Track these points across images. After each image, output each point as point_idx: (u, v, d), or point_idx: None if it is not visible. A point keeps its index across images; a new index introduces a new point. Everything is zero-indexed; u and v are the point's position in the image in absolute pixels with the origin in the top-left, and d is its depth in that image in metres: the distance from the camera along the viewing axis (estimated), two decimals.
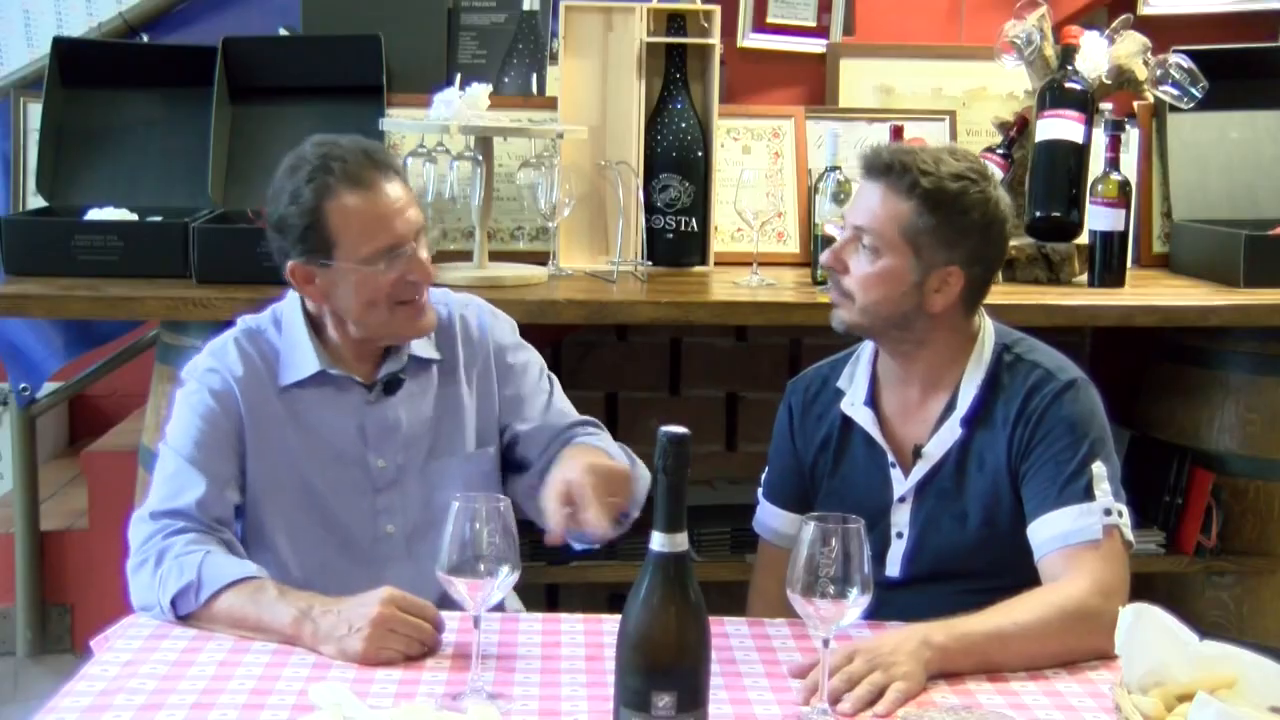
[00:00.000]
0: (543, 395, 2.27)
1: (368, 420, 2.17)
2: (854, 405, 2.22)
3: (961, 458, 2.14)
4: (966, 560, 2.14)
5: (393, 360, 2.19)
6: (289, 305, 2.21)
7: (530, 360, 2.30)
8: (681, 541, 1.50)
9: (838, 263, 2.14)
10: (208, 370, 2.15)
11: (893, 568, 2.17)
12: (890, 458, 2.19)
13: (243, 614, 1.91)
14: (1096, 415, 2.11)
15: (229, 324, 2.83)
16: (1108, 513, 2.02)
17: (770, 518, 2.33)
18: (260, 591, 1.93)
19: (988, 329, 2.19)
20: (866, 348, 2.24)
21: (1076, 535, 2.01)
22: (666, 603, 1.49)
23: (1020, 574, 2.06)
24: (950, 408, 2.15)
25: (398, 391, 2.19)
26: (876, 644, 1.80)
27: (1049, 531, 2.03)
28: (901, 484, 2.18)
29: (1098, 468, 2.04)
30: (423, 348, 2.21)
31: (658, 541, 1.50)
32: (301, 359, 2.16)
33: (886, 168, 2.10)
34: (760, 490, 2.37)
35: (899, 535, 2.18)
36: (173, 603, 1.94)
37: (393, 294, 2.11)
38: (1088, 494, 2.02)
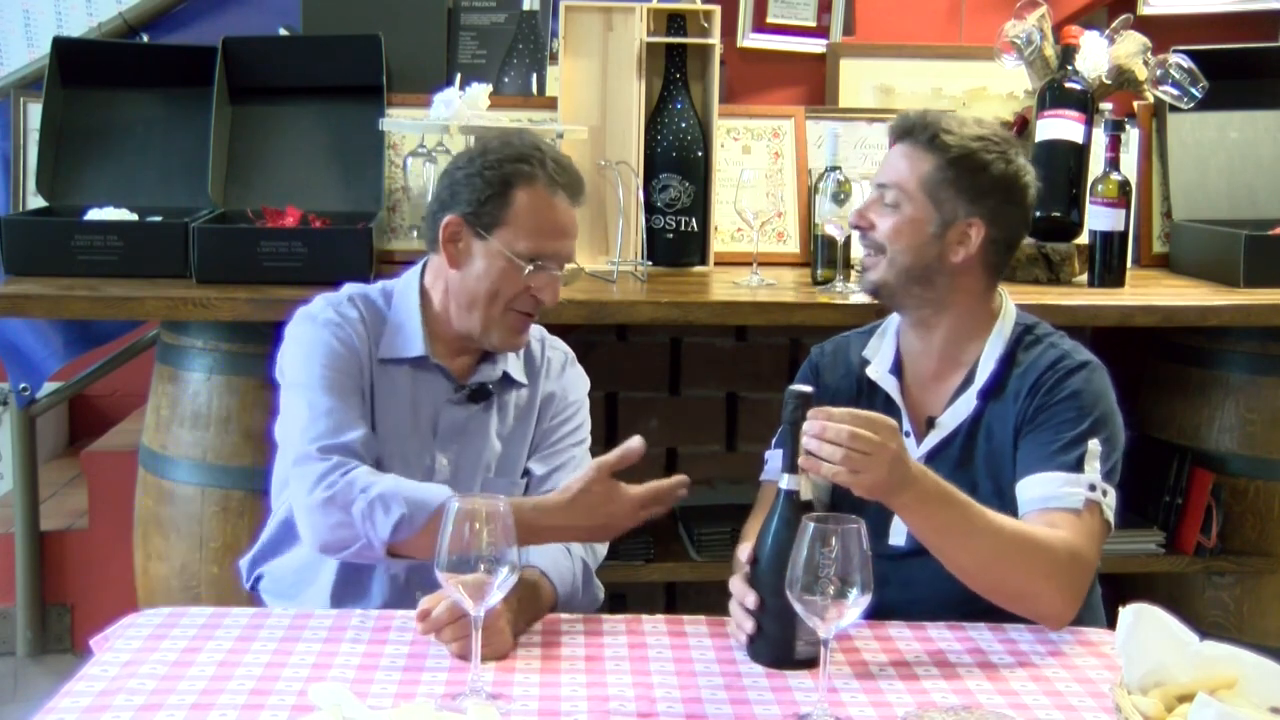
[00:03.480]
0: (568, 452, 2.27)
1: (443, 416, 2.19)
2: (879, 372, 2.27)
3: (973, 430, 2.19)
4: None
5: (488, 369, 2.21)
6: (404, 283, 2.23)
7: (581, 421, 2.31)
8: (803, 481, 1.85)
9: (863, 220, 2.22)
10: (330, 318, 2.16)
11: (897, 537, 2.19)
12: (907, 425, 2.23)
13: None
14: (1105, 398, 2.16)
15: (228, 324, 2.84)
16: (1092, 488, 2.05)
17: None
18: None
19: (1009, 310, 2.26)
20: (892, 321, 2.30)
21: (1057, 500, 2.05)
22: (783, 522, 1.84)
23: None
24: (968, 381, 2.21)
25: (482, 401, 2.21)
26: (876, 440, 1.82)
27: (1033, 492, 2.08)
28: (913, 452, 2.20)
29: (1094, 445, 2.08)
30: (516, 369, 2.24)
31: (785, 482, 1.85)
32: (407, 338, 2.18)
33: (911, 128, 2.19)
34: (773, 442, 2.33)
35: None
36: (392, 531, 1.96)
37: (516, 298, 2.13)
38: (1078, 466, 2.07)
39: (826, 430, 1.81)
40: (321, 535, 2.02)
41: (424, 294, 2.21)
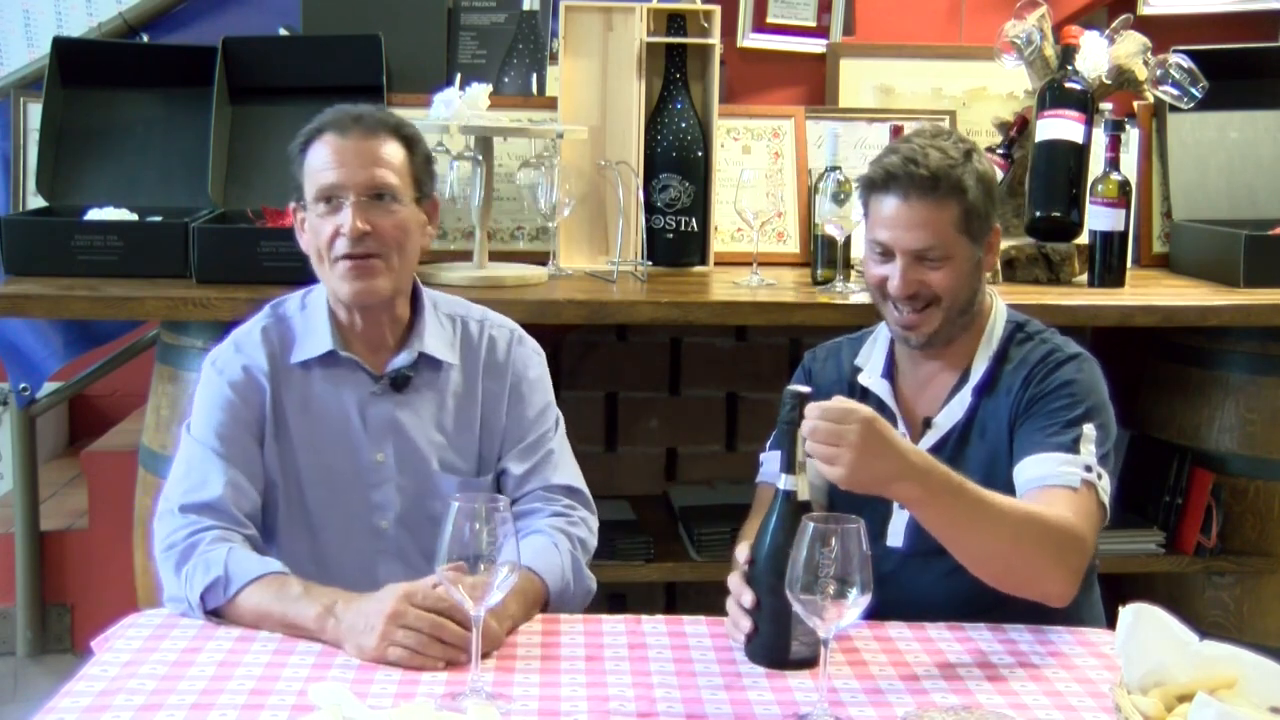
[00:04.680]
0: (543, 444, 2.24)
1: (369, 411, 2.18)
2: (872, 378, 2.28)
3: (967, 428, 2.20)
4: None
5: (404, 354, 2.19)
6: (319, 285, 2.22)
7: (545, 402, 2.27)
8: (800, 481, 1.84)
9: (912, 285, 2.16)
10: (229, 361, 2.17)
11: (895, 538, 2.20)
12: (902, 428, 2.24)
13: (268, 610, 1.93)
14: (1096, 387, 2.17)
15: (230, 324, 2.84)
16: (1088, 469, 2.06)
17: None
18: (284, 588, 1.94)
19: (999, 309, 2.27)
20: (884, 327, 2.30)
21: (1055, 478, 2.06)
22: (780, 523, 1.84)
23: None
24: (963, 381, 2.22)
25: (405, 389, 2.18)
26: (835, 430, 1.82)
27: (1030, 473, 2.09)
28: None
29: (1088, 429, 2.10)
30: (437, 348, 2.20)
31: (783, 482, 1.84)
32: (316, 338, 2.18)
33: (931, 180, 2.12)
34: (768, 444, 2.35)
35: (901, 506, 2.20)
36: (201, 598, 1.96)
37: (330, 244, 2.13)
38: (1074, 447, 2.08)
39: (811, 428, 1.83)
40: (165, 591, 2.04)
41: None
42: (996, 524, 1.94)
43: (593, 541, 2.22)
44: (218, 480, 2.07)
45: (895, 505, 2.21)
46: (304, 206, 2.17)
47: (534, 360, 2.27)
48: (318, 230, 2.13)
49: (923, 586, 2.12)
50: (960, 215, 2.14)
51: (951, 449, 2.20)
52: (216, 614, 1.97)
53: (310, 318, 2.20)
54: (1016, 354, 2.21)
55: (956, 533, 1.95)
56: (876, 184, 2.17)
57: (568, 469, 2.25)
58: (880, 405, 2.25)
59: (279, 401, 2.16)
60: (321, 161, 2.13)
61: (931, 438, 2.22)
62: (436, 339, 2.21)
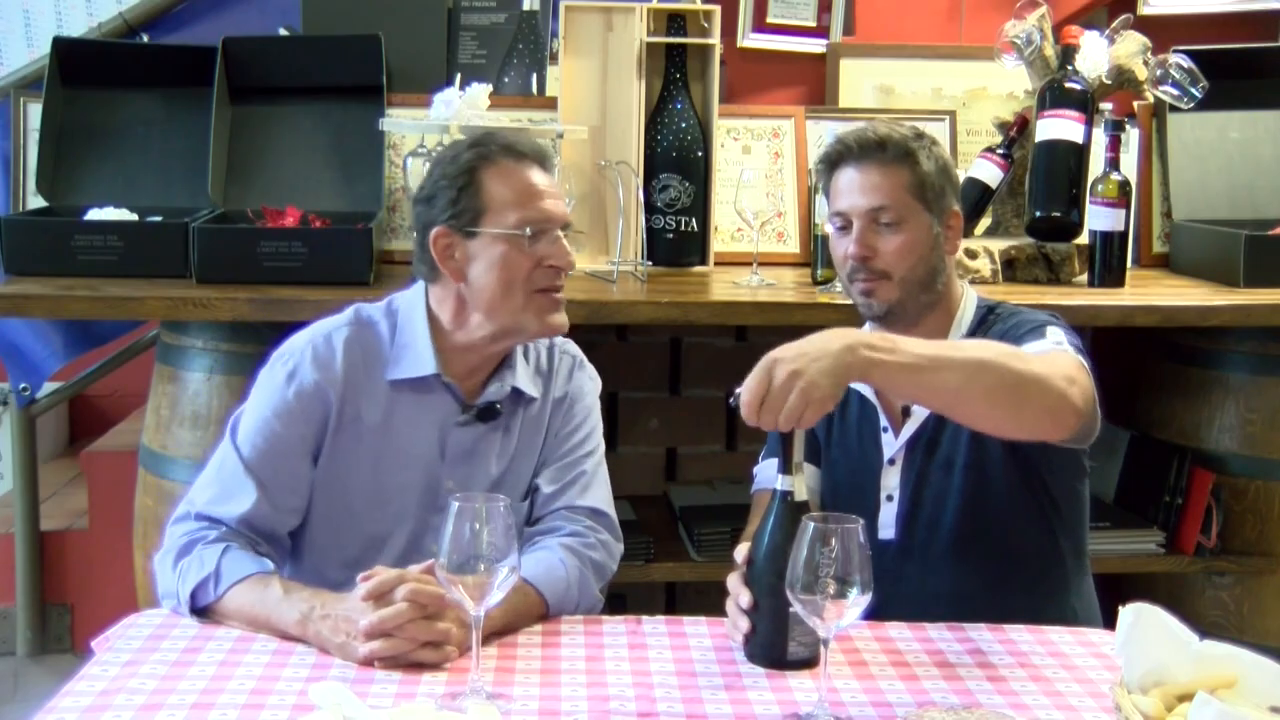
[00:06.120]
0: (578, 465, 2.22)
1: (450, 438, 2.14)
2: None
3: None
4: (958, 512, 2.20)
5: (496, 386, 2.15)
6: (410, 299, 2.17)
7: (590, 429, 2.26)
8: (798, 482, 1.84)
9: (868, 249, 2.21)
10: (303, 369, 2.09)
11: (885, 530, 2.22)
12: (883, 421, 2.27)
13: (253, 613, 1.93)
14: (1057, 320, 2.16)
15: (228, 324, 2.83)
16: (1058, 344, 2.04)
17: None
18: (266, 590, 1.93)
19: (970, 296, 2.30)
20: (868, 327, 2.30)
21: (1034, 349, 2.02)
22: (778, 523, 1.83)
23: (1013, 536, 2.16)
24: None
25: (490, 420, 2.16)
26: (799, 348, 1.89)
27: None
28: (892, 446, 2.25)
29: (1053, 331, 2.09)
30: (527, 383, 2.19)
31: (780, 483, 1.84)
32: (416, 358, 2.12)
33: (879, 145, 2.20)
34: (761, 455, 2.38)
35: (889, 498, 2.25)
36: (192, 595, 1.95)
37: (532, 277, 2.08)
38: (1040, 335, 2.07)
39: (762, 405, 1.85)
40: (160, 586, 2.03)
41: (431, 317, 2.14)
42: (977, 350, 1.91)
43: (611, 566, 2.17)
44: (245, 503, 2.04)
45: (883, 498, 2.25)
46: (470, 234, 2.08)
47: (589, 386, 2.28)
48: (512, 260, 2.06)
49: (917, 577, 2.13)
50: (912, 181, 2.19)
51: (932, 431, 2.22)
52: (204, 613, 1.96)
53: (406, 334, 2.14)
54: (984, 334, 2.22)
55: (943, 377, 1.87)
56: (831, 159, 2.24)
57: (598, 493, 2.22)
58: (862, 400, 2.28)
59: (350, 415, 2.10)
60: (523, 188, 2.07)
61: (912, 425, 2.24)
62: (524, 370, 2.19)
